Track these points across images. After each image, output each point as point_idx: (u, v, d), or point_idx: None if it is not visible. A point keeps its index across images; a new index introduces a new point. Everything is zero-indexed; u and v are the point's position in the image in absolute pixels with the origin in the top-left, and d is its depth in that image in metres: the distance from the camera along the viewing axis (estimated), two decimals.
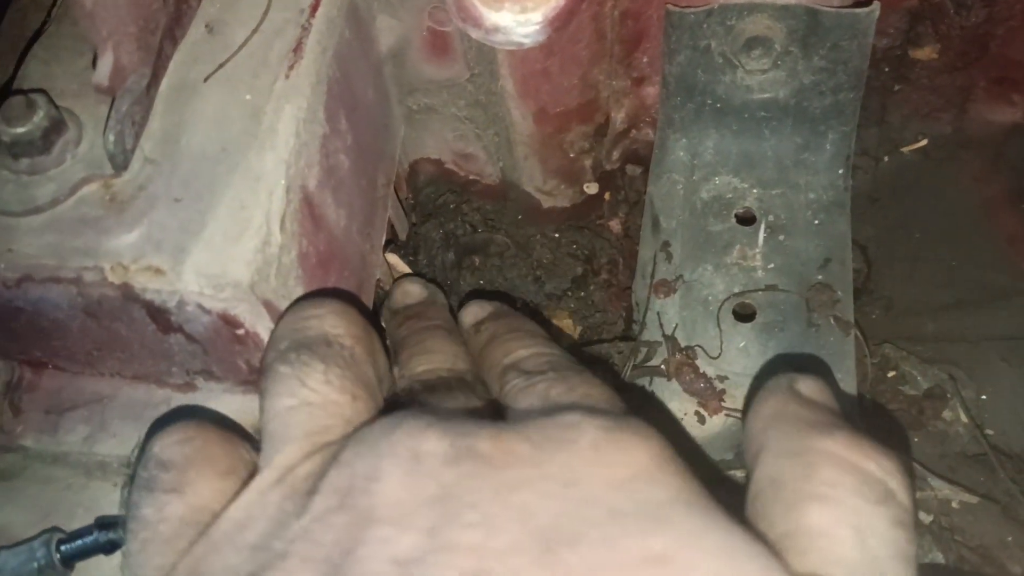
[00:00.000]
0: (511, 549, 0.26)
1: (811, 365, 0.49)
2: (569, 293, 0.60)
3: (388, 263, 0.56)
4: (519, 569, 0.26)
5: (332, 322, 0.36)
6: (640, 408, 0.37)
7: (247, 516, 0.30)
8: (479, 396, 0.40)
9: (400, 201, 0.59)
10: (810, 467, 0.29)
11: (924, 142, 0.63)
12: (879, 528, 0.28)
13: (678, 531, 0.26)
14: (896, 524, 0.28)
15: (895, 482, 0.29)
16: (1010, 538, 0.47)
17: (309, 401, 0.33)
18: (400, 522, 0.27)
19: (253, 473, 0.34)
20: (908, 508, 0.29)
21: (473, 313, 0.48)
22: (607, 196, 0.63)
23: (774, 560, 0.27)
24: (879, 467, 0.29)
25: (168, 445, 0.34)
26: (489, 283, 0.60)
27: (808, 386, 0.34)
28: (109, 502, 0.42)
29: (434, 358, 0.43)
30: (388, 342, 0.47)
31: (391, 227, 0.56)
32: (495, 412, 0.37)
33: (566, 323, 0.60)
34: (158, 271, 0.38)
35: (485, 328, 0.46)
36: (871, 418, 0.51)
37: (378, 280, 0.53)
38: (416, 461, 0.29)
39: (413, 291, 0.50)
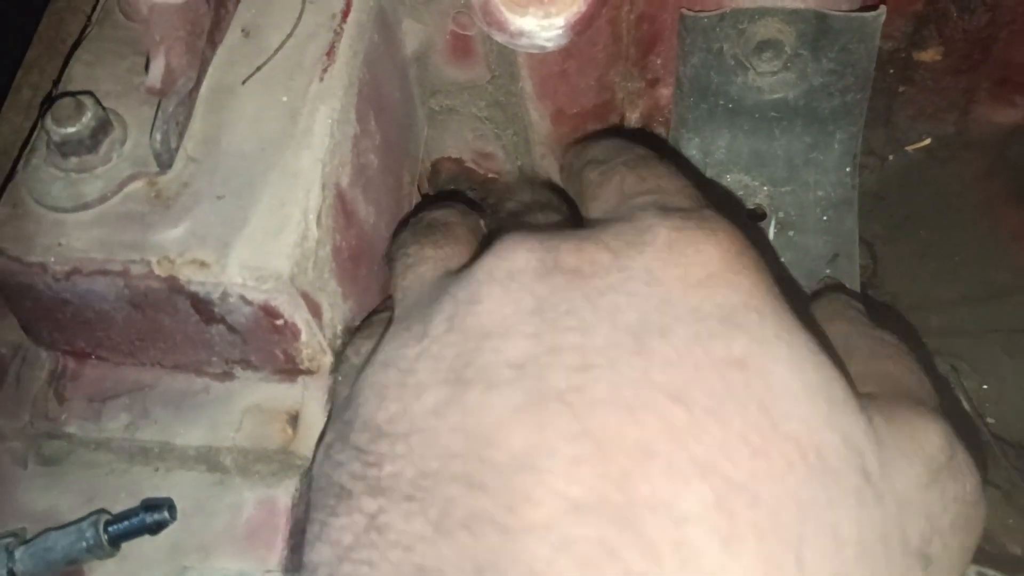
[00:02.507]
0: (608, 344, 0.29)
1: None
2: None
3: None
4: (617, 360, 0.29)
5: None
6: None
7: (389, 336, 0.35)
8: (561, 212, 0.45)
9: (422, 198, 0.60)
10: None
11: (928, 142, 0.64)
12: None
13: (753, 337, 0.29)
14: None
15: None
16: (1011, 521, 0.49)
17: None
18: (507, 333, 0.30)
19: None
20: None
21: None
22: None
23: (834, 367, 0.30)
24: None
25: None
26: None
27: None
28: (150, 486, 0.44)
29: (520, 192, 0.49)
30: None
31: None
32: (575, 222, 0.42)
33: None
34: (203, 264, 0.40)
35: (575, 145, 0.50)
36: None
37: None
38: (510, 279, 0.32)
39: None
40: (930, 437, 0.31)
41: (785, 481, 0.26)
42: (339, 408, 0.35)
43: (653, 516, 0.26)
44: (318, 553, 0.30)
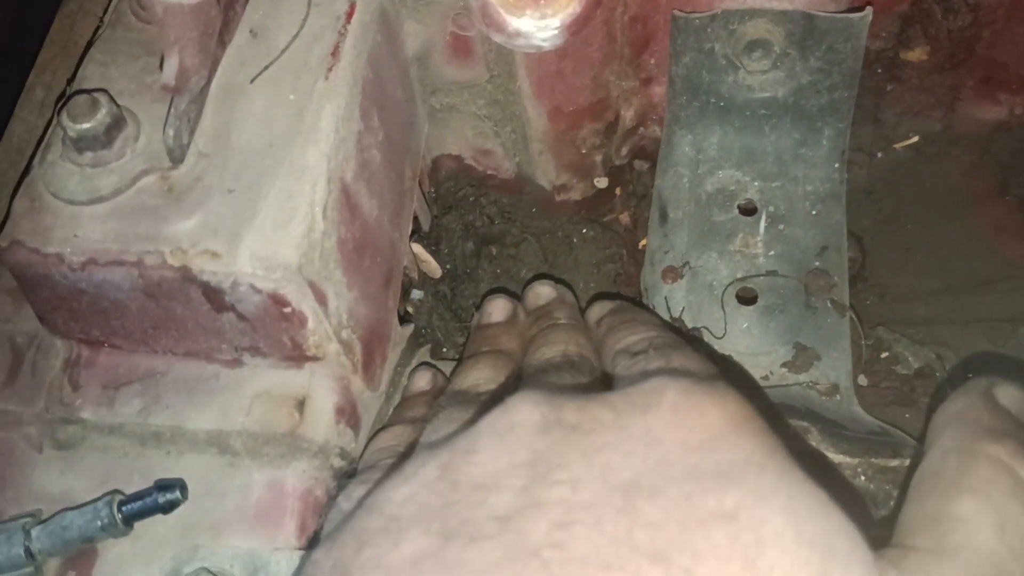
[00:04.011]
0: (595, 502, 0.29)
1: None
2: (580, 282, 0.64)
3: (413, 252, 0.59)
4: (602, 518, 0.28)
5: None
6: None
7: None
8: (586, 375, 0.44)
9: (423, 194, 0.62)
10: (971, 465, 0.32)
11: (916, 139, 0.66)
12: (1023, 525, 0.30)
13: (748, 489, 0.29)
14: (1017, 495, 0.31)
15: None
16: None
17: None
18: (496, 486, 0.30)
19: None
20: None
21: (596, 312, 0.53)
22: (618, 191, 0.67)
23: (845, 520, 0.29)
24: None
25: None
26: (505, 272, 0.64)
27: (1006, 393, 0.36)
28: (163, 468, 0.45)
29: (553, 348, 0.48)
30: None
31: (415, 219, 0.60)
32: (603, 387, 0.42)
33: None
34: (215, 254, 0.42)
35: (604, 322, 0.51)
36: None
37: (404, 267, 0.57)
38: (510, 432, 0.32)
39: (543, 292, 0.56)
40: None
41: None
42: (317, 550, 0.35)
43: None
44: None
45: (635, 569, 0.27)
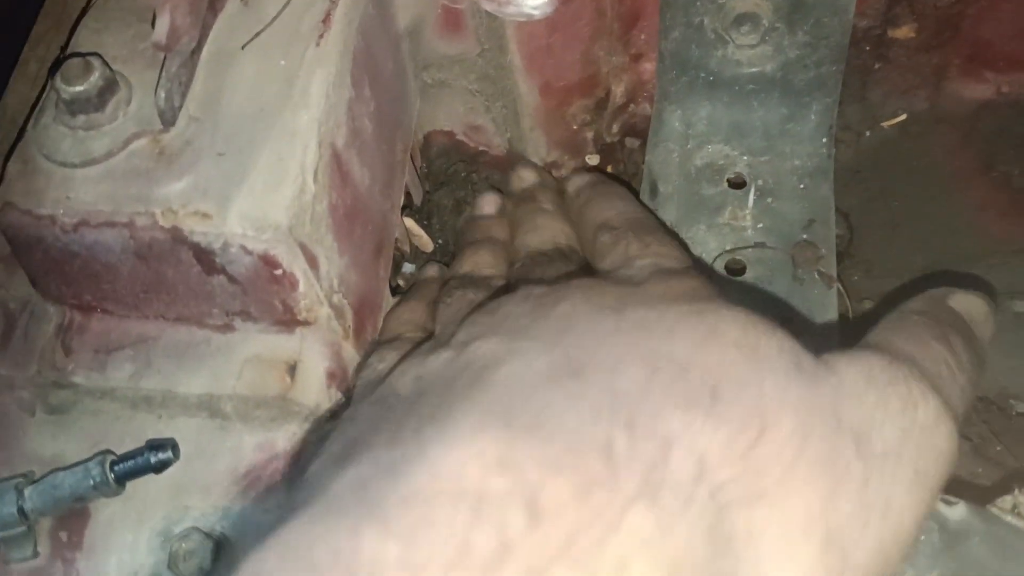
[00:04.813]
0: (591, 311, 0.35)
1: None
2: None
3: (404, 226, 0.60)
4: (596, 318, 0.35)
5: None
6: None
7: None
8: (574, 263, 0.49)
9: (415, 170, 0.63)
10: (900, 327, 0.37)
11: (903, 117, 0.67)
12: (932, 344, 0.35)
13: (717, 303, 0.35)
14: (944, 344, 0.36)
15: (959, 341, 0.36)
16: (980, 470, 0.51)
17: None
18: (502, 325, 0.37)
19: None
20: (963, 353, 0.36)
21: (575, 183, 0.57)
22: (609, 168, 0.67)
23: (790, 337, 0.33)
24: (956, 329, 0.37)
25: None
26: None
27: (961, 300, 0.40)
28: (154, 431, 0.46)
29: (542, 234, 0.52)
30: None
31: (407, 194, 0.60)
32: (587, 273, 0.47)
33: None
34: (205, 215, 0.42)
35: (583, 194, 0.55)
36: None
37: (396, 240, 0.57)
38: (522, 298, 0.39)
39: (526, 176, 0.59)
40: (875, 361, 0.33)
41: (722, 361, 0.31)
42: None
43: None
44: (315, 464, 0.35)
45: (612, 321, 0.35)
